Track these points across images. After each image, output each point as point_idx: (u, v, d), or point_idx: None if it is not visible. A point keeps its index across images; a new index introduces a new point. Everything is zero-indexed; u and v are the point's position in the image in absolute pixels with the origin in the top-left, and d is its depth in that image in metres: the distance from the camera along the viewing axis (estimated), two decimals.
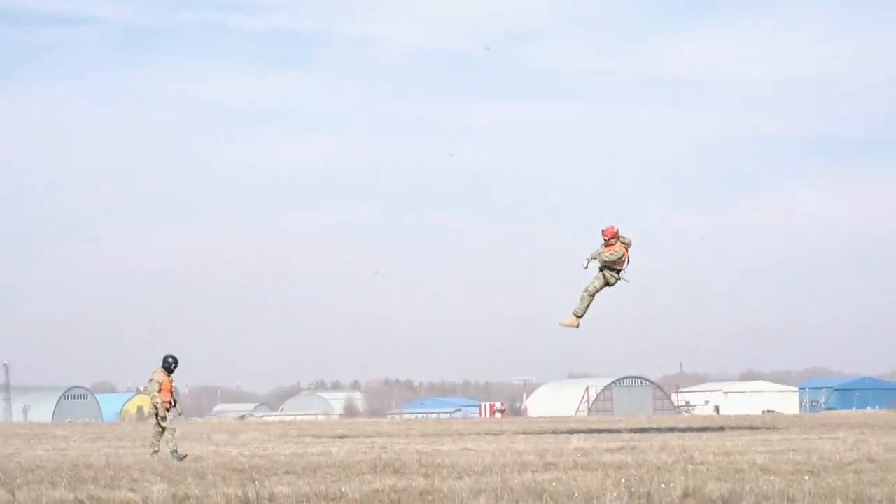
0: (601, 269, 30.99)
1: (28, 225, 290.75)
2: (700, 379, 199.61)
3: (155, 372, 27.65)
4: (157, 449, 26.99)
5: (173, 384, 27.73)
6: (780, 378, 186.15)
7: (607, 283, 31.05)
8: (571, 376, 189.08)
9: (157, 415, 27.47)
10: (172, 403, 27.62)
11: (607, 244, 30.72)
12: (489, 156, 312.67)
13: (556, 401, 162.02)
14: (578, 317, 30.93)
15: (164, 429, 27.30)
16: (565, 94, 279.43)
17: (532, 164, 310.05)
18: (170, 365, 27.70)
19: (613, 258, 30.72)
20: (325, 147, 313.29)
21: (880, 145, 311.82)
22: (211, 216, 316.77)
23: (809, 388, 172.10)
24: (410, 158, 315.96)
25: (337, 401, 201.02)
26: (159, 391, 27.35)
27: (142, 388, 28.51)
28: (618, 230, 30.90)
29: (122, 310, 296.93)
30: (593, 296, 31.02)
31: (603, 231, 30.94)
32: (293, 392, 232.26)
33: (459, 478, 17.90)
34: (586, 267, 30.76)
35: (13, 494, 15.15)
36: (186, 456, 26.63)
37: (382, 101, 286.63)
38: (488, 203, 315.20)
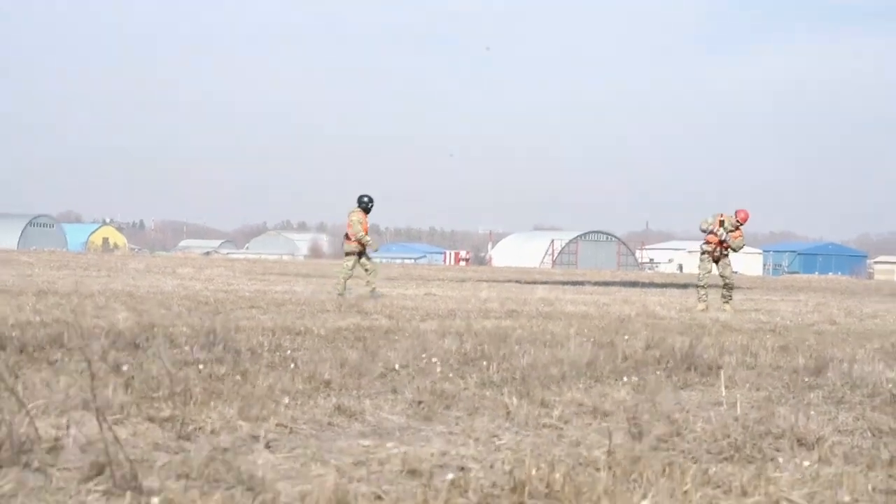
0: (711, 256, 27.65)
1: None
2: (665, 237, 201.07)
3: (353, 212, 27.77)
4: (343, 289, 27.32)
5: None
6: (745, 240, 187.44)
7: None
8: (537, 228, 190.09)
9: (360, 254, 27.75)
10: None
11: (736, 228, 27.25)
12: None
13: (520, 252, 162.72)
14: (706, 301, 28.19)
15: (367, 269, 27.84)
16: None
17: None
18: (366, 204, 27.87)
19: (740, 246, 27.47)
20: None
21: (846, 10, 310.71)
22: (196, 39, 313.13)
23: (773, 252, 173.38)
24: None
25: (302, 241, 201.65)
26: (364, 231, 27.72)
27: (351, 232, 27.67)
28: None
29: (90, 136, 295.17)
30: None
31: (737, 212, 27.32)
32: (259, 231, 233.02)
33: (423, 320, 17.97)
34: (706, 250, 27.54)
35: None
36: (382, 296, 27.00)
37: None
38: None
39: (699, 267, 27.77)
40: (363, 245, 27.64)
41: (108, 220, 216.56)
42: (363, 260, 27.70)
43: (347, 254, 27.74)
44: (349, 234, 27.69)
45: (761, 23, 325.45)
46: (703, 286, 27.37)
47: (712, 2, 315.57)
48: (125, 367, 9.47)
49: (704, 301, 27.09)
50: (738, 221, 27.15)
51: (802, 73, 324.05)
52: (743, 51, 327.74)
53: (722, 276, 27.45)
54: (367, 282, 27.81)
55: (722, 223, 27.12)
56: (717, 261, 27.47)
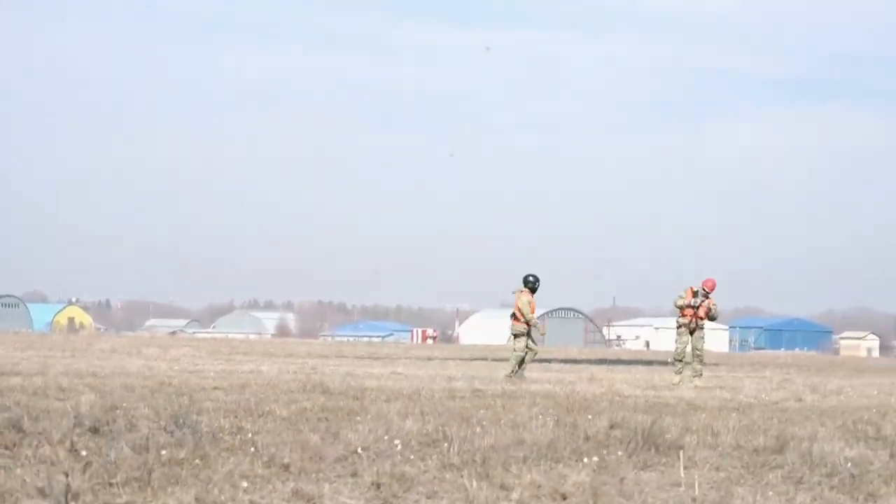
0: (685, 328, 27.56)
1: None
2: (632, 313, 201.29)
3: (521, 293, 27.73)
4: (513, 371, 27.24)
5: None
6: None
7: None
8: (504, 305, 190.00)
9: (525, 335, 27.66)
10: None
11: (706, 298, 27.34)
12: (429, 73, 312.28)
13: (488, 329, 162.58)
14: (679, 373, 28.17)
15: (527, 349, 27.66)
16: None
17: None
18: (532, 284, 27.81)
19: (718, 313, 27.81)
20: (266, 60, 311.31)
21: (817, 85, 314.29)
22: (152, 120, 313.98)
23: (739, 328, 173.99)
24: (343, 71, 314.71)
25: (269, 320, 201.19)
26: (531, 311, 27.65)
27: (519, 312, 27.11)
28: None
29: (54, 218, 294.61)
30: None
31: (704, 282, 27.46)
32: (226, 310, 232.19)
33: (388, 400, 17.94)
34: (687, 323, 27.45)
35: None
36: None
37: None
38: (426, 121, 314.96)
39: (676, 342, 27.86)
40: (530, 326, 27.63)
41: (73, 300, 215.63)
42: (529, 342, 27.62)
43: (516, 335, 27.67)
44: (517, 315, 27.59)
45: (724, 94, 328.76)
46: (679, 360, 27.47)
47: (675, 73, 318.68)
48: (84, 452, 9.43)
49: (680, 374, 27.20)
50: (706, 291, 27.37)
51: (769, 147, 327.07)
52: (703, 123, 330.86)
53: (695, 349, 27.53)
54: (528, 362, 27.83)
55: (696, 294, 27.35)
56: (692, 332, 27.61)
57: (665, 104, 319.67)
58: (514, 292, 27.86)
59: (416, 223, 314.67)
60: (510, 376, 26.64)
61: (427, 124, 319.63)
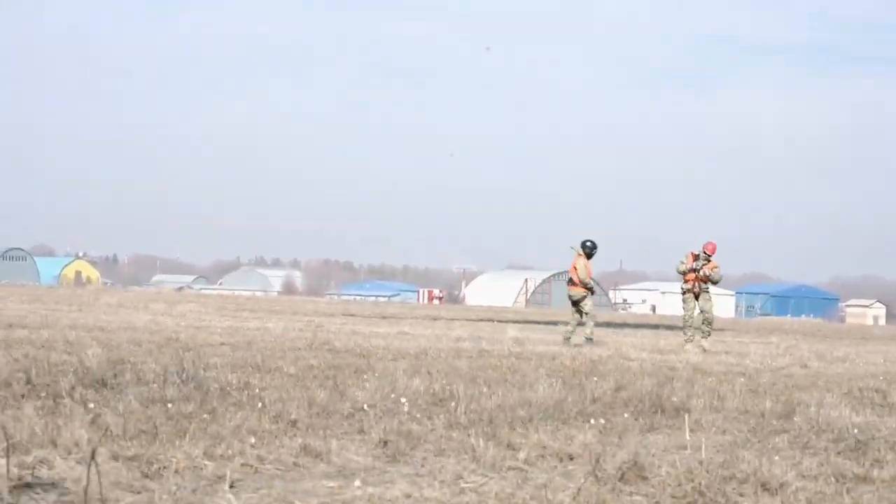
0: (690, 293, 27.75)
1: None
2: (639, 277, 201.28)
3: (578, 258, 27.53)
4: (570, 336, 27.13)
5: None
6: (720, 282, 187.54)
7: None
8: (511, 266, 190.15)
9: (581, 301, 27.51)
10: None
11: (708, 261, 27.43)
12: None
13: (494, 290, 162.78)
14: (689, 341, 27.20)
15: (585, 314, 27.47)
16: None
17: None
18: (590, 249, 27.65)
19: (720, 276, 27.77)
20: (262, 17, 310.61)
21: (825, 53, 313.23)
22: (174, 79, 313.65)
23: (746, 293, 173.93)
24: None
25: (276, 278, 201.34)
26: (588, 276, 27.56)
27: (574, 275, 27.08)
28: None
29: (64, 170, 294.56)
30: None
31: (704, 245, 27.56)
32: (233, 266, 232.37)
33: (394, 359, 17.97)
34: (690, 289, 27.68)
35: None
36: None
37: None
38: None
39: (684, 308, 27.93)
40: (588, 290, 27.56)
41: (80, 254, 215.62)
42: (583, 305, 27.47)
43: (575, 301, 27.54)
44: (574, 279, 27.57)
45: (734, 61, 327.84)
46: (689, 326, 27.54)
47: (686, 39, 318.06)
48: (92, 405, 9.46)
49: (690, 341, 27.23)
50: (707, 254, 27.40)
51: (778, 114, 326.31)
52: (714, 89, 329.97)
53: (702, 311, 27.60)
54: (587, 326, 27.55)
55: (697, 258, 27.37)
56: (697, 296, 27.66)
57: (673, 70, 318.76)
58: (571, 247, 27.61)
59: (423, 182, 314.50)
60: (591, 338, 26.56)
61: (433, 78, 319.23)
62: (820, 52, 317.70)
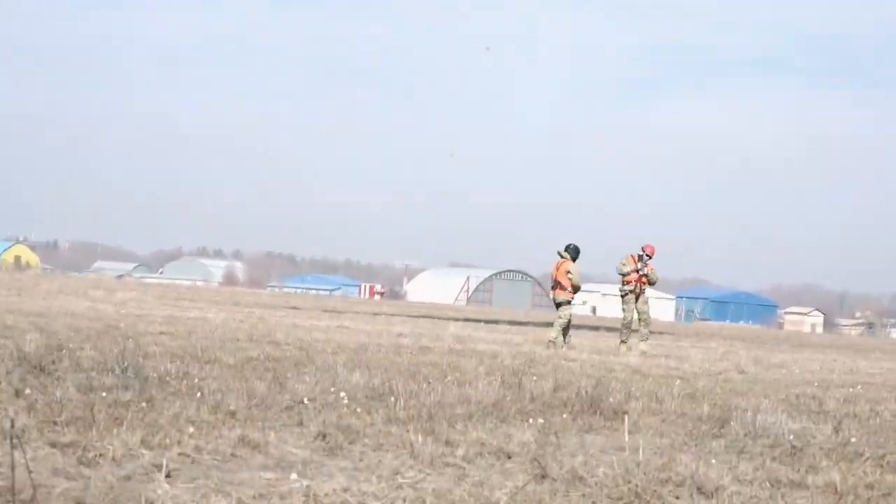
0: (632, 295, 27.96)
1: None
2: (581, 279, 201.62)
3: (565, 262, 27.32)
4: (556, 338, 26.87)
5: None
6: (657, 285, 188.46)
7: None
8: (453, 264, 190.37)
9: (564, 304, 27.29)
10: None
11: (645, 264, 27.68)
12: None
13: (436, 287, 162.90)
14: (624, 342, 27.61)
15: (559, 317, 27.21)
16: None
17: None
18: (576, 253, 27.47)
19: (657, 278, 28.03)
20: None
21: (770, 63, 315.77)
22: (105, 62, 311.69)
23: (686, 298, 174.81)
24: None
25: (217, 268, 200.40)
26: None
27: (565, 279, 27.08)
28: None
29: (4, 155, 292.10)
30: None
31: (644, 247, 27.87)
32: (174, 256, 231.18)
33: (334, 353, 17.94)
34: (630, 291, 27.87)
35: None
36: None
37: None
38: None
39: (624, 310, 28.06)
40: (575, 293, 27.57)
41: (21, 239, 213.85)
42: (562, 310, 27.22)
43: (559, 304, 27.35)
44: (563, 283, 27.37)
45: (668, 72, 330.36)
46: (628, 328, 27.71)
47: (622, 50, 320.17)
48: (28, 391, 9.38)
49: (625, 342, 27.43)
50: (647, 256, 27.60)
51: (720, 122, 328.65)
52: (649, 97, 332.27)
53: (639, 312, 27.75)
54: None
55: (639, 259, 27.57)
56: (636, 297, 27.83)
57: (617, 81, 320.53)
58: (559, 252, 27.58)
59: (370, 179, 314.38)
60: (553, 342, 26.56)
61: (386, 72, 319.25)
62: (765, 63, 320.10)
